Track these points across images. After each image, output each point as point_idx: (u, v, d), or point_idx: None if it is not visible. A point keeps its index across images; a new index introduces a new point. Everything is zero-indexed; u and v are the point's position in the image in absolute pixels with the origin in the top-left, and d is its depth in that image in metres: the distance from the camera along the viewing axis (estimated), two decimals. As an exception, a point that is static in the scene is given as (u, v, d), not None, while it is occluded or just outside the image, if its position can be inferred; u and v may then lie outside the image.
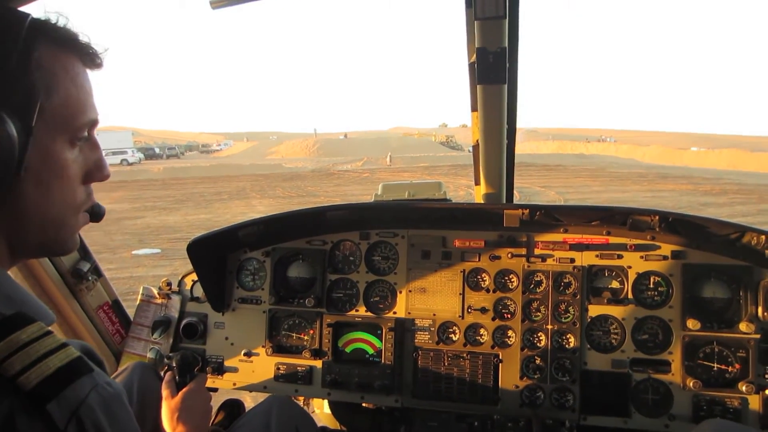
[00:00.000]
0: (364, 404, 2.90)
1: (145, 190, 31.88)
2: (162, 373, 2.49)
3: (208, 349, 2.95)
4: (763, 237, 2.34)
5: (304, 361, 2.85)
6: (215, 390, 2.93)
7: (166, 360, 2.68)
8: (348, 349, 2.85)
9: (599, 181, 31.98)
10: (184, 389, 2.25)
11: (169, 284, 3.05)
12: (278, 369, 2.87)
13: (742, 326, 2.43)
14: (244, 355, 2.90)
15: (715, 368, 2.49)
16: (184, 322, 2.94)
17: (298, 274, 2.96)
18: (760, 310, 2.45)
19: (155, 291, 3.06)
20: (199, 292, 2.99)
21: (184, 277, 3.06)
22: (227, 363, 2.93)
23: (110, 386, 1.06)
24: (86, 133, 1.18)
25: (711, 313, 2.52)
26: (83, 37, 1.15)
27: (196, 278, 2.97)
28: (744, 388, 2.40)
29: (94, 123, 1.19)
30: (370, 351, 2.82)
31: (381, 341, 2.79)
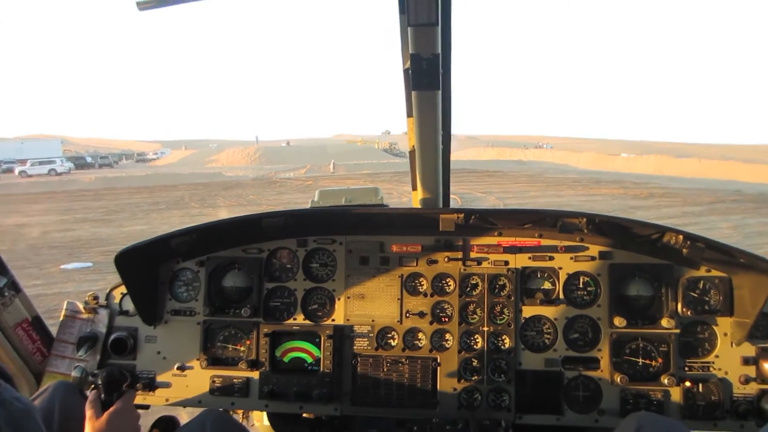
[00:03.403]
0: (303, 414, 2.86)
1: (75, 201, 30.38)
2: (88, 393, 2.36)
3: (139, 365, 2.82)
4: (681, 237, 2.47)
5: (240, 373, 2.77)
6: (146, 407, 2.81)
7: (91, 378, 2.54)
8: (286, 359, 2.80)
9: (537, 187, 33.05)
10: (111, 409, 2.15)
11: (95, 298, 2.90)
12: (213, 382, 2.78)
13: (664, 322, 2.57)
14: (178, 369, 2.79)
15: (640, 363, 2.61)
16: (112, 337, 2.80)
17: (234, 284, 2.88)
18: (679, 306, 2.60)
19: (81, 306, 2.90)
20: (129, 305, 2.86)
21: (112, 290, 2.92)
22: (159, 378, 2.81)
23: (19, 401, 1.00)
24: None
25: (636, 311, 2.64)
26: None
27: (125, 291, 2.84)
28: (666, 381, 2.53)
29: None
30: (309, 359, 2.78)
31: (319, 349, 2.75)
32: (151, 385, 2.80)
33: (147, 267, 2.83)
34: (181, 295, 2.88)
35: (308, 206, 3.16)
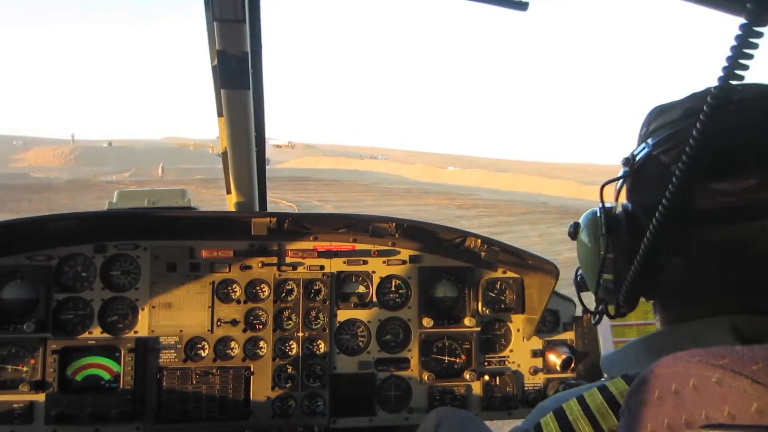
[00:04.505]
0: None
1: None
2: None
3: None
4: (479, 240, 2.70)
5: (21, 397, 2.43)
6: None
7: None
8: (79, 377, 2.52)
9: (372, 196, 34.20)
10: None
11: None
12: None
13: (467, 321, 2.77)
14: None
15: (446, 361, 2.79)
16: None
17: (15, 296, 2.52)
18: (479, 305, 2.82)
19: None
20: None
21: None
22: None
23: None
24: None
25: (442, 311, 2.81)
26: None
27: None
28: (468, 376, 2.74)
29: None
30: (107, 376, 2.53)
31: (119, 364, 2.52)
32: None
33: None
34: None
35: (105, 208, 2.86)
